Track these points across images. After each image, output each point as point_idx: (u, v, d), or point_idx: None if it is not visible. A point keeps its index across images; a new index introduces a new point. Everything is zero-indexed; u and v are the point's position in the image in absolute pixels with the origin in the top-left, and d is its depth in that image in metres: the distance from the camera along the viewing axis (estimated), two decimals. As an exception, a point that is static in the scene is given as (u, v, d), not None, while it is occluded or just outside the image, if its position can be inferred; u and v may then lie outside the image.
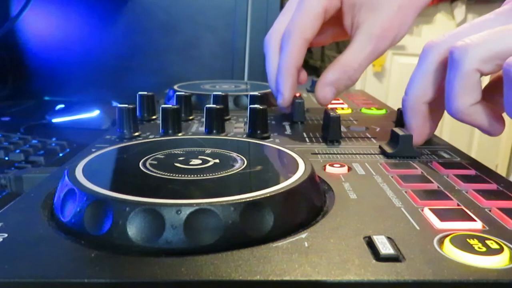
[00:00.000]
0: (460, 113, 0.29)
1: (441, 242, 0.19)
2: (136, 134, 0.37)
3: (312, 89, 0.62)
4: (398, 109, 0.40)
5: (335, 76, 0.41)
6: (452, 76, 0.29)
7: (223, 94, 0.44)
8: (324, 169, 0.29)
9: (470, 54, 0.28)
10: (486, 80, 0.33)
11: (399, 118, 0.39)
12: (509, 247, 0.18)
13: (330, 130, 0.36)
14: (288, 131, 0.40)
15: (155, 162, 0.25)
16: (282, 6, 0.89)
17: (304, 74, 0.44)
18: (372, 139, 0.37)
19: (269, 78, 0.45)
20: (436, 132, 0.37)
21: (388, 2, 0.40)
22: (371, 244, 0.19)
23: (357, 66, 0.40)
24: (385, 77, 1.92)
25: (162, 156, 0.26)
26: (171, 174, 0.23)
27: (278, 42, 0.43)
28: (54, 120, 0.62)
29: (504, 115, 0.29)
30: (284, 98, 0.42)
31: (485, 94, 0.30)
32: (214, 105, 0.38)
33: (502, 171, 1.78)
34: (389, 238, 0.19)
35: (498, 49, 0.27)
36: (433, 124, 0.34)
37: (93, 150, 0.31)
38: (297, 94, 0.57)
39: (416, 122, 0.34)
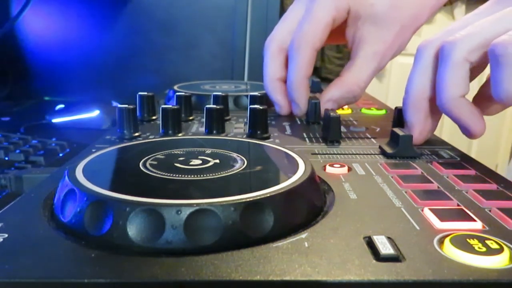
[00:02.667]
0: (450, 103, 0.31)
1: (441, 242, 0.19)
2: (136, 134, 0.37)
3: (312, 90, 0.62)
4: (396, 108, 0.40)
5: (340, 94, 0.42)
6: (443, 68, 0.31)
7: (223, 94, 0.44)
8: (324, 169, 0.29)
9: (458, 46, 0.30)
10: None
11: (397, 117, 0.39)
12: (509, 247, 0.18)
13: (330, 130, 0.36)
14: (288, 131, 0.40)
15: (155, 163, 0.25)
16: (282, 6, 0.89)
17: None
18: (372, 139, 0.37)
19: (265, 82, 0.45)
20: (436, 132, 0.37)
21: (391, 20, 0.40)
22: (371, 244, 0.19)
23: (363, 85, 0.42)
24: (385, 77, 1.92)
25: (162, 156, 0.26)
26: (171, 174, 0.23)
27: (277, 48, 0.44)
28: (54, 120, 0.62)
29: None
30: (301, 109, 0.43)
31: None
32: (214, 106, 0.38)
33: (502, 171, 1.78)
34: (389, 238, 0.19)
35: (483, 38, 0.29)
36: (434, 122, 0.35)
37: (93, 150, 0.31)
38: None
39: (418, 119, 0.34)
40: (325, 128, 0.37)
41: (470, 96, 0.34)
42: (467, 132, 0.32)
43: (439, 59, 0.32)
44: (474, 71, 0.32)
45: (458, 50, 0.30)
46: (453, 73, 0.30)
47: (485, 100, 0.33)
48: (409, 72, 0.34)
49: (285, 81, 0.44)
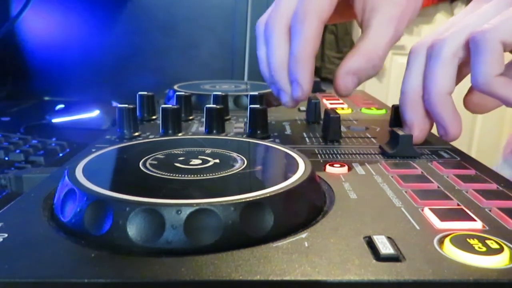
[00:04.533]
0: (437, 97, 0.32)
1: (441, 242, 0.19)
2: (136, 134, 0.37)
3: (312, 90, 0.62)
4: (393, 106, 0.40)
5: (359, 64, 0.36)
6: (434, 63, 0.32)
7: (223, 94, 0.44)
8: (324, 169, 0.29)
9: (447, 43, 0.32)
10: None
11: (394, 115, 0.39)
12: (509, 247, 0.18)
13: (330, 130, 0.36)
14: (288, 131, 0.40)
15: (155, 162, 0.25)
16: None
17: None
18: (372, 139, 0.37)
19: (273, 68, 0.38)
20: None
21: None
22: (371, 244, 0.19)
23: (382, 53, 0.36)
24: (385, 77, 1.92)
25: (162, 156, 0.26)
26: (171, 174, 0.23)
27: (285, 27, 0.37)
28: (54, 120, 0.62)
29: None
30: (304, 90, 0.36)
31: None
32: (214, 105, 0.38)
33: (502, 171, 1.77)
34: (389, 238, 0.19)
35: (468, 33, 0.31)
36: (431, 121, 0.35)
37: (93, 150, 0.31)
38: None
39: (417, 117, 0.34)
40: (325, 128, 0.37)
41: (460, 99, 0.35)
42: (444, 132, 0.34)
43: (430, 56, 0.33)
44: (463, 69, 0.33)
45: (447, 47, 0.32)
46: (443, 69, 0.32)
47: (475, 96, 0.34)
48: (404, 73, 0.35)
49: None
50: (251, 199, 0.19)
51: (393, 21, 0.37)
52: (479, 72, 0.29)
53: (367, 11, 0.38)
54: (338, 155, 0.32)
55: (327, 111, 0.37)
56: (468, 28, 0.31)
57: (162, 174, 0.23)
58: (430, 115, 0.35)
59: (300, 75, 0.36)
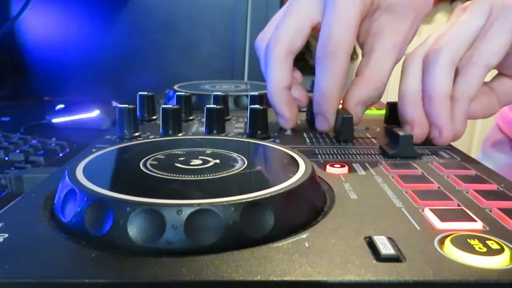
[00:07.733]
0: (436, 98, 0.34)
1: (441, 242, 0.19)
2: (136, 134, 0.37)
3: (311, 89, 0.62)
4: (388, 103, 0.40)
5: (367, 94, 0.38)
6: (433, 68, 0.34)
7: (223, 94, 0.44)
8: (325, 169, 0.29)
9: (445, 50, 0.34)
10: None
11: (389, 112, 0.39)
12: (509, 247, 0.18)
13: (342, 130, 0.36)
14: (288, 131, 0.40)
15: (156, 162, 0.25)
16: (282, 5, 0.89)
17: (298, 74, 0.42)
18: (372, 139, 0.37)
19: (270, 91, 0.39)
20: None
21: (408, 8, 0.38)
22: (371, 244, 0.19)
23: (386, 80, 0.38)
24: (385, 77, 1.92)
25: (163, 156, 0.26)
26: (172, 174, 0.23)
27: (285, 51, 0.38)
28: (54, 120, 0.62)
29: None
30: (330, 124, 0.38)
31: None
32: (214, 105, 0.38)
33: (502, 171, 1.77)
34: (389, 238, 0.19)
35: (461, 43, 0.34)
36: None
37: (93, 150, 0.31)
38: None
39: (418, 115, 0.35)
40: (337, 128, 0.36)
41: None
42: (437, 134, 0.35)
43: (428, 63, 0.35)
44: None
45: (444, 53, 0.34)
46: (442, 72, 0.34)
47: None
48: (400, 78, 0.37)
49: (290, 89, 0.40)
50: (251, 199, 0.19)
51: (396, 48, 0.38)
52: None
53: (371, 34, 0.39)
54: (338, 155, 0.32)
55: (339, 111, 0.37)
56: (461, 38, 0.34)
57: (162, 175, 0.23)
58: (427, 117, 0.35)
59: (327, 110, 0.38)
